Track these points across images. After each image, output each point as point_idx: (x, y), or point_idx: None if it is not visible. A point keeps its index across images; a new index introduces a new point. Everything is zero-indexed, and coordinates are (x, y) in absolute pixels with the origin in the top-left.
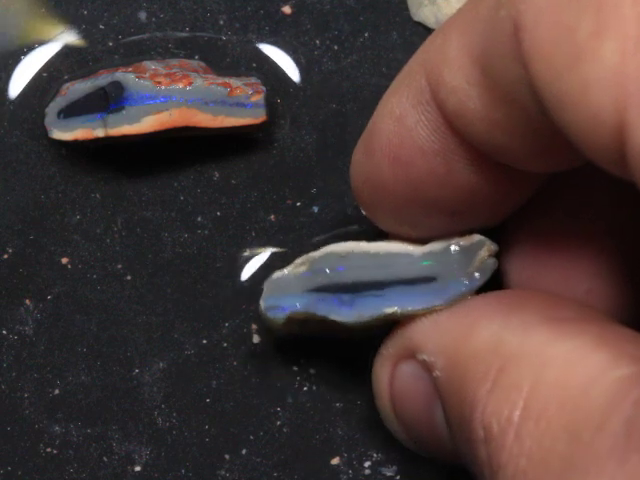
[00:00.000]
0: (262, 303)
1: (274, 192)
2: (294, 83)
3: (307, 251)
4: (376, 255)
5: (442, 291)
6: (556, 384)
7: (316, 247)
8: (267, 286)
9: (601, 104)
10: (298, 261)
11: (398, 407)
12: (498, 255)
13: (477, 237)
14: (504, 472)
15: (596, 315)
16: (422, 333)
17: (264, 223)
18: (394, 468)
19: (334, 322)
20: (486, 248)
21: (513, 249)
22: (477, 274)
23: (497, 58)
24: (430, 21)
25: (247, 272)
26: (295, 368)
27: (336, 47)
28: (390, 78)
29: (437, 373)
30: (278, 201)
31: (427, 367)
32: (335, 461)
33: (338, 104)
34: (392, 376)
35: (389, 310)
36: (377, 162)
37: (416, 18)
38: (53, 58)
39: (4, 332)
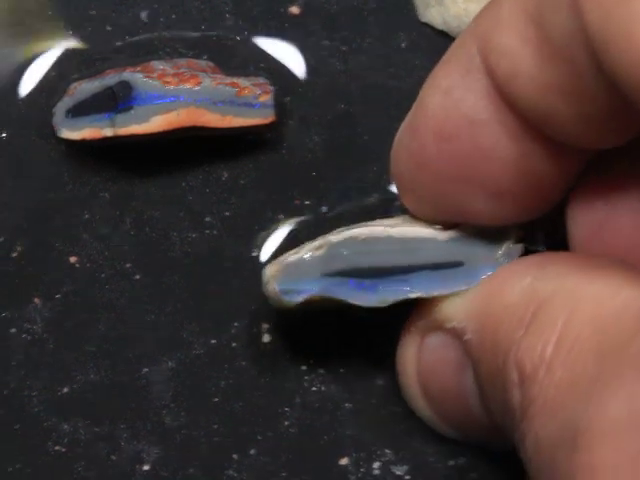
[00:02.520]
0: (276, 287)
1: (282, 192)
2: (302, 83)
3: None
4: (399, 239)
5: (470, 276)
6: (589, 316)
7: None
8: (282, 269)
9: None
10: (315, 244)
11: (425, 381)
12: (524, 240)
13: None
14: (534, 406)
15: (626, 264)
16: (452, 305)
17: (272, 223)
18: (404, 468)
19: (352, 305)
20: (513, 233)
21: (575, 204)
22: (504, 259)
23: (550, 8)
24: (437, 22)
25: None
26: (304, 368)
27: (344, 48)
28: (398, 78)
29: (468, 336)
30: (286, 201)
31: (457, 333)
32: (344, 461)
33: (346, 104)
34: (419, 350)
35: (414, 295)
36: (421, 139)
37: (423, 19)
38: (61, 58)
39: (13, 330)
